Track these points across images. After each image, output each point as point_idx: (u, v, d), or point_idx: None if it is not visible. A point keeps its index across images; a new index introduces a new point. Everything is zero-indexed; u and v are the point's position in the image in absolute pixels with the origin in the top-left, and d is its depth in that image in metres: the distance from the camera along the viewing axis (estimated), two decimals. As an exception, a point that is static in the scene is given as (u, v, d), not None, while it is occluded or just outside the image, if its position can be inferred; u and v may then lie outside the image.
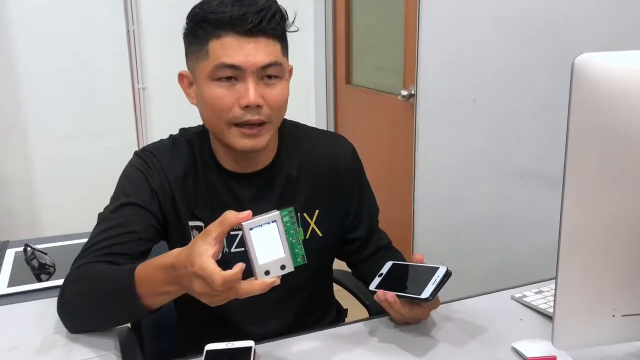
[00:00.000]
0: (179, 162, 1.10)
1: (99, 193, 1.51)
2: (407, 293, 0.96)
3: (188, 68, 1.07)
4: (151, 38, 3.14)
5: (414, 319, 1.03)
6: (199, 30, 1.00)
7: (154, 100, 3.22)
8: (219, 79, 0.99)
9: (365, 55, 3.11)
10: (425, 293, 0.93)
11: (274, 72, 1.01)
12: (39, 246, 1.33)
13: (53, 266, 1.26)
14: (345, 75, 3.25)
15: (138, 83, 3.18)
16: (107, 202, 1.30)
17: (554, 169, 1.77)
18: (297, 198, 1.14)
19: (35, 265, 1.25)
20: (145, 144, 1.18)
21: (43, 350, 0.94)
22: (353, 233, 1.22)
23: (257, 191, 1.12)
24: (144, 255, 1.06)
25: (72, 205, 3.10)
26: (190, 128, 1.17)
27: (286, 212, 0.83)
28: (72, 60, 3.00)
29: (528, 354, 0.92)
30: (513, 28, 1.87)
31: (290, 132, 1.17)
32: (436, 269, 0.97)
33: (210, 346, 0.94)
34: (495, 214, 2.07)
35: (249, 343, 0.94)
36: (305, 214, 1.15)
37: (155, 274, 0.89)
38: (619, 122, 0.71)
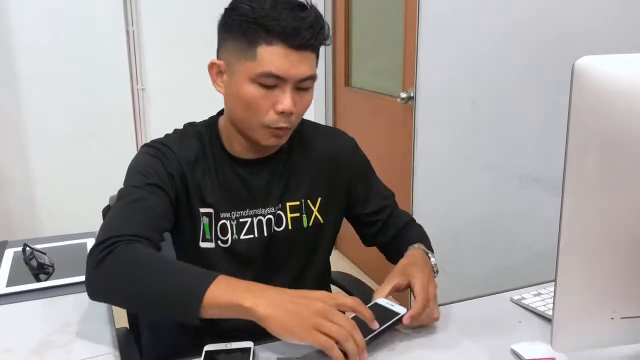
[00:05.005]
0: (189, 150, 1.13)
1: (98, 193, 1.51)
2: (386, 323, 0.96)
3: (219, 56, 1.09)
4: (150, 39, 3.13)
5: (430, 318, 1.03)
6: (249, 29, 1.01)
7: (153, 101, 3.21)
8: (260, 83, 1.02)
9: (365, 57, 3.11)
10: (401, 311, 0.98)
11: (308, 85, 1.06)
12: (37, 246, 1.33)
13: (52, 266, 1.26)
14: (344, 78, 3.25)
15: (137, 84, 3.18)
16: (106, 202, 1.29)
17: (553, 171, 1.77)
18: (301, 186, 1.19)
19: (34, 265, 1.25)
20: (144, 145, 1.18)
21: (41, 351, 0.94)
22: (368, 216, 1.27)
23: (265, 177, 1.16)
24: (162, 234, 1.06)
25: (71, 206, 3.10)
26: (196, 122, 1.19)
27: None
28: (72, 61, 3.00)
29: (527, 356, 0.92)
30: (513, 31, 1.87)
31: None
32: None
33: (209, 347, 0.94)
34: (494, 216, 2.08)
35: (248, 344, 0.94)
36: (309, 201, 1.20)
37: (240, 282, 0.90)
38: (619, 125, 0.71)
